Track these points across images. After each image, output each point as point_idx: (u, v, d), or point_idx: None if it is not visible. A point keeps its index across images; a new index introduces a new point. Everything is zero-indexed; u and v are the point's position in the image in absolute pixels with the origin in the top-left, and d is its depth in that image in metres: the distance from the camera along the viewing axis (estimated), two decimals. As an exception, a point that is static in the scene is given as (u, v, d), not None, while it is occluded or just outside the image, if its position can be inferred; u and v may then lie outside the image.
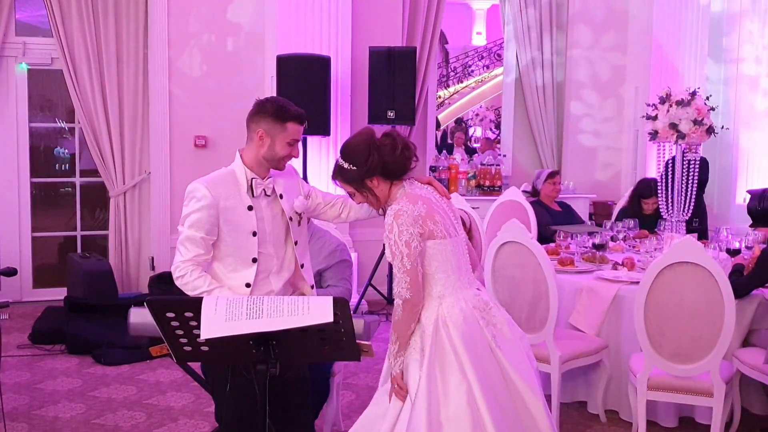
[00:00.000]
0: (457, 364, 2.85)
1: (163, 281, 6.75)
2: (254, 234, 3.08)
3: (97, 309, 6.22)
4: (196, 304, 2.30)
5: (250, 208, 3.08)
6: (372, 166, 2.96)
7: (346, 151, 3.02)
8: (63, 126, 7.68)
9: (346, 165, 3.00)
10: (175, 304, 2.34)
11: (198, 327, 2.32)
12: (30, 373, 5.54)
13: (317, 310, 2.22)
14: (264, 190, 3.12)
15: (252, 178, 3.09)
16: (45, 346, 6.10)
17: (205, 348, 2.41)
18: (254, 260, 3.10)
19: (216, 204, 3.01)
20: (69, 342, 6.03)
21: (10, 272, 4.40)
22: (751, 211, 5.35)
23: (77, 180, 7.58)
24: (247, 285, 3.10)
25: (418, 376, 2.85)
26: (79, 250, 7.47)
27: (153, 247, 7.36)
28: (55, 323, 6.27)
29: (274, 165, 3.13)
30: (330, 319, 2.22)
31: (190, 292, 3.00)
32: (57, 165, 7.77)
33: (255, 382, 2.45)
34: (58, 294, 6.96)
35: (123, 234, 7.29)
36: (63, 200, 7.79)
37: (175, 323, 2.35)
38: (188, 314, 2.33)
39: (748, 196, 5.71)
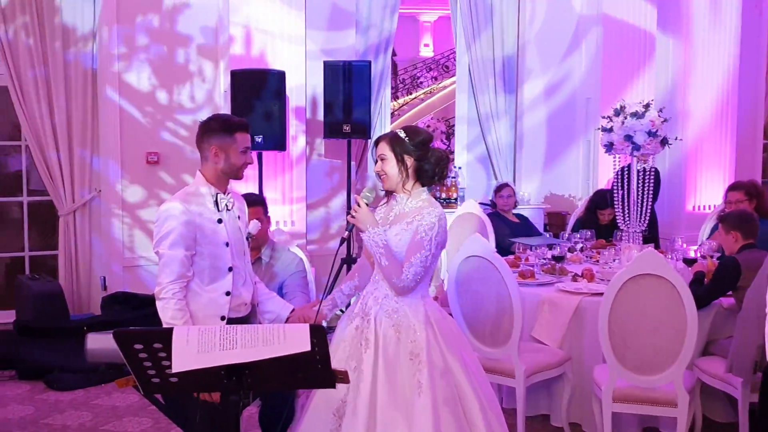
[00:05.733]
0: (442, 358, 3.17)
1: (116, 301, 6.57)
2: (227, 245, 3.27)
3: (48, 332, 6.04)
4: (165, 335, 2.22)
5: (219, 221, 3.27)
6: (423, 153, 3.28)
7: (412, 129, 3.37)
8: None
9: (403, 135, 3.29)
10: (143, 336, 2.25)
11: (167, 358, 2.24)
12: (-21, 401, 5.36)
13: (294, 339, 2.15)
14: (227, 204, 3.31)
15: (216, 193, 3.29)
16: (-6, 372, 5.92)
17: (174, 379, 2.33)
18: (230, 269, 3.29)
19: (193, 219, 3.17)
20: (20, 367, 5.85)
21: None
22: None
23: (25, 199, 7.36)
24: (227, 293, 3.27)
25: (412, 378, 3.11)
26: (27, 272, 7.26)
27: (104, 266, 7.18)
28: (4, 348, 6.06)
29: (233, 176, 3.34)
30: (307, 348, 2.15)
31: (165, 317, 3.14)
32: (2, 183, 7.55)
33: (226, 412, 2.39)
34: (6, 317, 6.73)
35: (73, 254, 7.09)
36: (10, 220, 7.57)
37: (143, 355, 2.27)
38: (157, 345, 2.24)
39: None
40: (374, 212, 3.37)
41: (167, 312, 3.13)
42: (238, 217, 3.40)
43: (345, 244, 5.14)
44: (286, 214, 7.13)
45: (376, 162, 3.37)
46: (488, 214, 6.65)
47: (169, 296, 3.13)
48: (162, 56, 7.16)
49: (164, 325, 3.15)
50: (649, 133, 5.23)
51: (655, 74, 8.24)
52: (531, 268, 5.35)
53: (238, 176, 3.36)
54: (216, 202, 3.27)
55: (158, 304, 3.17)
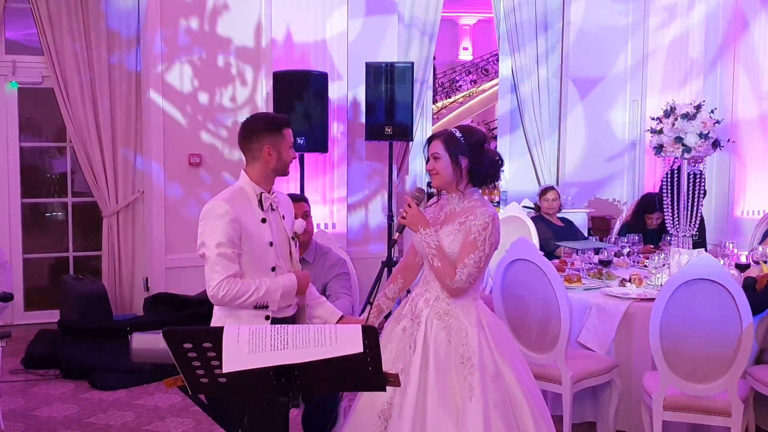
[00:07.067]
0: (493, 362, 3.11)
1: (159, 302, 6.59)
2: (271, 244, 3.22)
3: (91, 332, 6.09)
4: (215, 334, 2.18)
5: (263, 220, 3.22)
6: (477, 154, 3.21)
7: (467, 128, 3.30)
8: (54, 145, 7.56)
9: (459, 135, 3.22)
10: (193, 335, 2.21)
11: (216, 358, 2.20)
12: (24, 399, 5.39)
13: (345, 340, 2.10)
14: (271, 204, 3.27)
15: (260, 193, 3.24)
16: (38, 371, 5.95)
17: (222, 380, 2.29)
18: (273, 269, 3.23)
19: (238, 218, 3.12)
20: (63, 366, 5.88)
21: (7, 297, 4.27)
22: None
23: (69, 200, 7.44)
24: None
25: (463, 381, 3.05)
26: (71, 272, 7.32)
27: (147, 267, 7.22)
28: (48, 347, 6.12)
29: (282, 172, 3.30)
30: (359, 349, 2.10)
31: (242, 297, 3.10)
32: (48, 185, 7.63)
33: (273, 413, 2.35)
34: (50, 317, 6.81)
35: (116, 255, 7.15)
36: (54, 221, 7.65)
37: (192, 354, 2.23)
38: (206, 345, 2.21)
39: None
40: (424, 212, 3.31)
41: (238, 293, 3.06)
42: (283, 217, 3.34)
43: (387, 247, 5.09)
44: (327, 216, 7.11)
45: (427, 160, 3.30)
46: (532, 218, 6.55)
47: (229, 287, 3.05)
48: (204, 59, 7.17)
49: (250, 304, 3.12)
50: (701, 135, 5.11)
51: (704, 77, 8.08)
52: (577, 273, 5.26)
53: (286, 172, 3.33)
54: (260, 202, 3.23)
55: (224, 301, 3.08)
